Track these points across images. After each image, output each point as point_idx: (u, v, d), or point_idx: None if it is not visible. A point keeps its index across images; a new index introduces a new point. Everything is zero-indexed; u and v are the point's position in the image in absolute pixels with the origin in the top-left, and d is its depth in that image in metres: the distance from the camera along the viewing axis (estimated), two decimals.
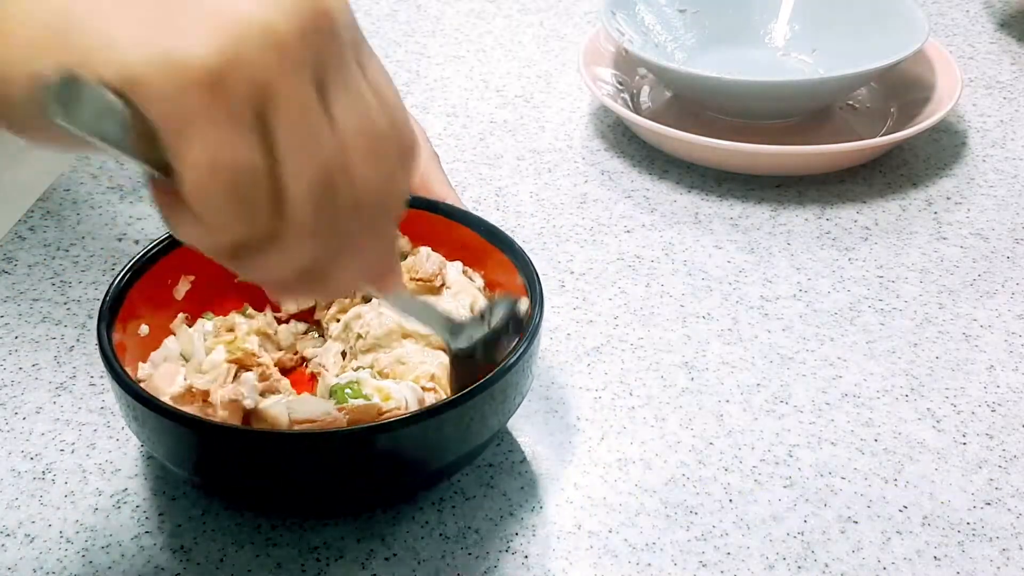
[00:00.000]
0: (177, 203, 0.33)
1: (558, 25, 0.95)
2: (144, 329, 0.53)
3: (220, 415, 0.48)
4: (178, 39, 0.31)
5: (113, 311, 0.50)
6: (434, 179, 0.55)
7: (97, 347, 0.48)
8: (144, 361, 0.52)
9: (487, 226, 0.56)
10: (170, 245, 0.53)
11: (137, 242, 0.68)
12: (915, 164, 0.75)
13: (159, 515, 0.50)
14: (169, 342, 0.53)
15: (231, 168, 0.32)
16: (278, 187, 0.33)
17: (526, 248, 0.66)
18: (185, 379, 0.49)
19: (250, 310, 0.55)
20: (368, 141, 0.34)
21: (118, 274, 0.52)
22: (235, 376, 0.50)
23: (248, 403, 0.48)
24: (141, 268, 0.53)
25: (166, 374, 0.50)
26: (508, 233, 0.55)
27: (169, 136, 0.31)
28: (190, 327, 0.54)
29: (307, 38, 0.32)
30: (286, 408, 0.48)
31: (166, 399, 0.48)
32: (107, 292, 0.51)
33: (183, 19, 0.31)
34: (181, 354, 0.52)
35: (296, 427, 0.47)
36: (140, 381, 0.50)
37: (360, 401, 0.48)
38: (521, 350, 0.48)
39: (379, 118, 0.34)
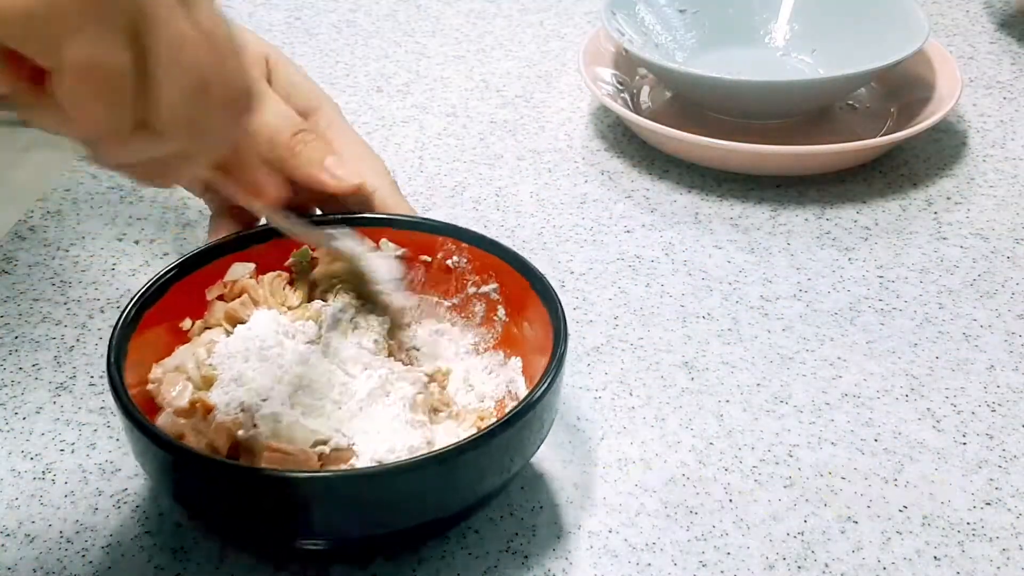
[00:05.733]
0: (40, 94, 0.34)
1: (558, 25, 0.95)
2: (187, 323, 0.52)
3: (211, 438, 0.46)
4: None
5: (146, 306, 0.50)
6: (391, 204, 0.56)
7: (105, 353, 0.48)
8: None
9: (500, 247, 0.54)
10: (206, 256, 0.53)
11: (137, 242, 0.68)
12: (915, 164, 0.75)
13: (159, 515, 0.50)
14: (181, 351, 0.52)
15: (106, 70, 0.33)
16: (150, 87, 0.35)
17: (526, 248, 0.67)
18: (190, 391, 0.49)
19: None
20: (226, 42, 0.37)
21: (166, 268, 0.52)
22: None
23: (241, 434, 0.47)
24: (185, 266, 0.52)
25: (171, 382, 0.49)
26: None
27: (43, 38, 0.32)
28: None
29: None
30: (270, 432, 0.46)
31: (170, 410, 0.48)
32: (143, 292, 0.50)
33: None
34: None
35: (267, 454, 0.45)
36: (151, 383, 0.49)
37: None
38: (544, 386, 0.45)
39: (226, 23, 0.37)
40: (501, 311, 0.54)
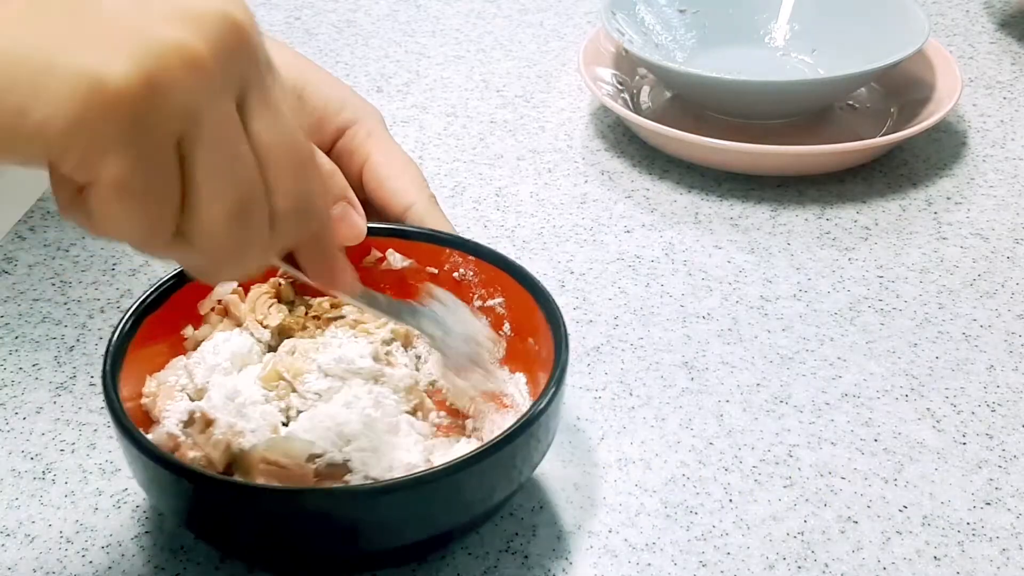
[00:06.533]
0: (79, 200, 0.33)
1: (558, 25, 0.95)
2: (189, 330, 0.52)
3: (208, 451, 0.46)
4: (96, 59, 0.30)
5: (150, 308, 0.50)
6: (428, 219, 0.55)
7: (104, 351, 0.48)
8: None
9: (507, 261, 0.53)
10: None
11: None
12: (915, 164, 0.75)
13: (159, 515, 0.50)
14: (175, 363, 0.51)
15: (144, 193, 0.32)
16: (190, 204, 0.33)
17: (526, 248, 0.67)
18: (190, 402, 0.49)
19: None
20: (287, 153, 0.35)
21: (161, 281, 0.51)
22: None
23: (238, 446, 0.46)
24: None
25: (167, 396, 0.49)
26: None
27: (80, 156, 0.31)
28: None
29: (227, 59, 0.32)
30: (265, 445, 0.46)
31: (171, 422, 0.47)
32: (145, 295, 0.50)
33: (99, 37, 0.31)
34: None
35: (262, 467, 0.45)
36: (145, 396, 0.49)
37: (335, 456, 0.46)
38: (544, 402, 0.45)
39: (294, 130, 0.35)
40: (507, 326, 0.53)
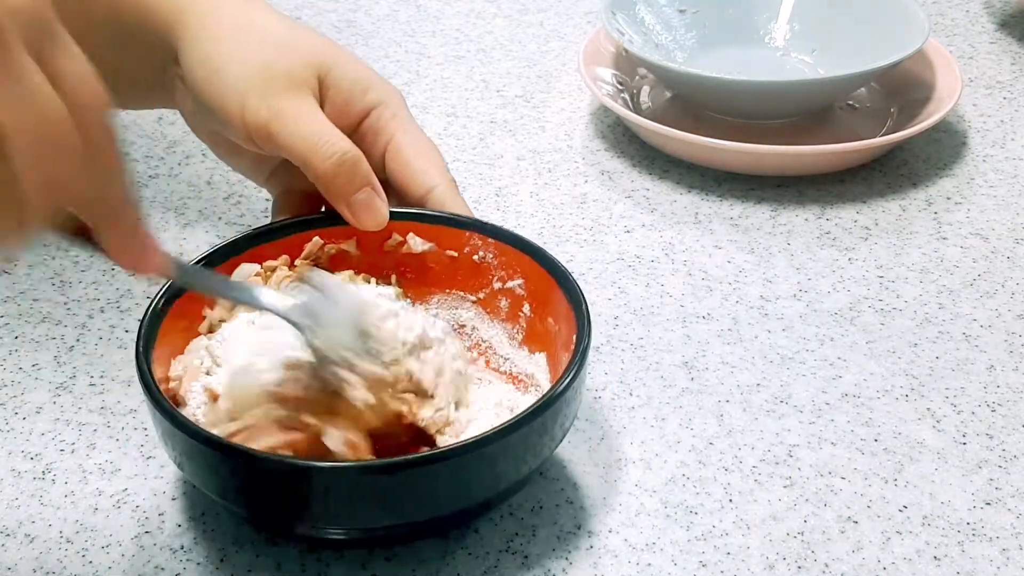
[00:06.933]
0: None
1: (558, 25, 0.95)
2: (206, 311, 0.52)
3: (211, 420, 0.47)
4: None
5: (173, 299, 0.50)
6: (449, 202, 0.56)
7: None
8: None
9: (527, 243, 0.54)
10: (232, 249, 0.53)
11: None
12: (915, 164, 0.75)
13: (159, 515, 0.50)
14: (198, 343, 0.52)
15: None
16: None
17: None
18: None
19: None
20: (32, 134, 0.34)
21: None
22: None
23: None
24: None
25: (191, 377, 0.50)
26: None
27: None
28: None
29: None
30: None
31: (195, 403, 0.48)
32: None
33: None
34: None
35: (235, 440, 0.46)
36: (172, 380, 0.49)
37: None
38: (569, 376, 0.46)
39: (52, 111, 0.34)
40: (527, 307, 0.54)
